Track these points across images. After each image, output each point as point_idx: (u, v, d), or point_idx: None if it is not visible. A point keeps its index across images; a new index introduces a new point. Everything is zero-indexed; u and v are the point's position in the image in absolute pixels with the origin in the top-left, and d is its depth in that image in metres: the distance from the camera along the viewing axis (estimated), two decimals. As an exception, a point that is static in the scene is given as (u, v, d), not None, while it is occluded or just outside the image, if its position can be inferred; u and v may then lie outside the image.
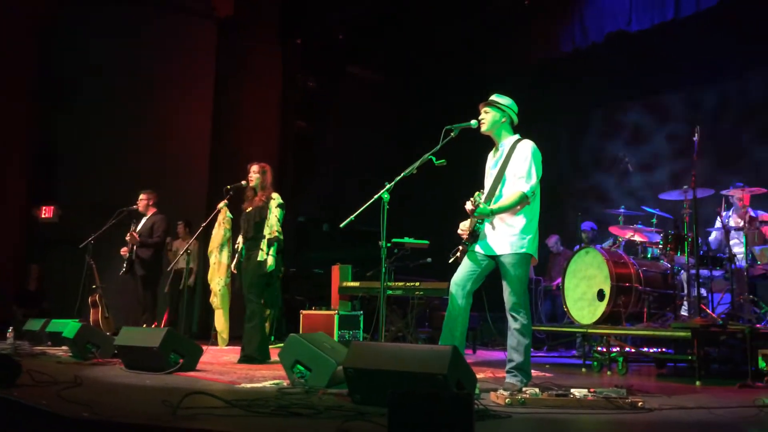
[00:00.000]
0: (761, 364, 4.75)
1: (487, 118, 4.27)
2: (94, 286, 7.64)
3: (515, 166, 4.16)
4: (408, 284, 7.40)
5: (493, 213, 4.11)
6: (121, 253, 7.34)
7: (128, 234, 7.27)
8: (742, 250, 6.12)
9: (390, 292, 7.16)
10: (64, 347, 6.13)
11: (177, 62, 10.21)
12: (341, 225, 4.23)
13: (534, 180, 4.12)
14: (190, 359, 4.90)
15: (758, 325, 5.43)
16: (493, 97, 4.32)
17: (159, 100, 10.03)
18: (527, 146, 4.20)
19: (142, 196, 7.57)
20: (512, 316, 4.08)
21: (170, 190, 8.87)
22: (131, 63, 9.78)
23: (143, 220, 7.49)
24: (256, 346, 5.67)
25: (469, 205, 4.14)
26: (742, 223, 6.24)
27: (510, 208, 4.11)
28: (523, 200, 4.11)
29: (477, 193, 4.13)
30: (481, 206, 4.08)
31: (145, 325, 6.90)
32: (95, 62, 9.60)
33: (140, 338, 4.96)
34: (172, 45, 10.19)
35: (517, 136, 4.30)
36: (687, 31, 7.98)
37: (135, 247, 7.26)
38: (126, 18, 9.79)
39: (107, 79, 9.64)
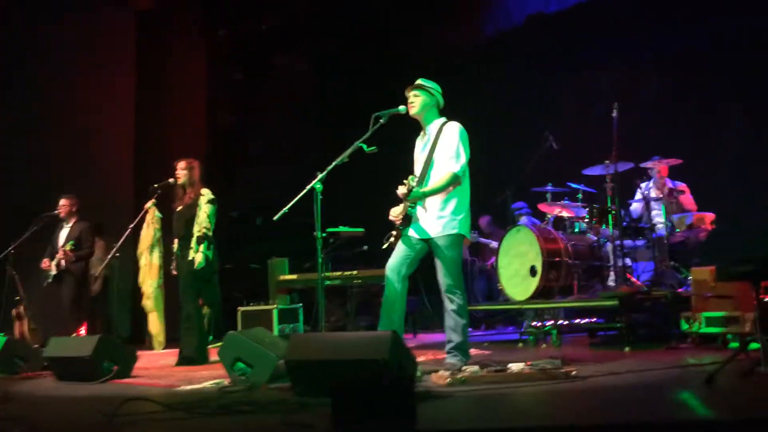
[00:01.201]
0: (683, 326, 5.04)
1: (417, 101, 4.31)
2: (17, 298, 7.28)
3: (444, 148, 4.22)
4: (346, 273, 7.41)
5: (426, 195, 4.17)
6: (43, 267, 6.98)
7: (60, 252, 6.92)
8: (662, 219, 6.42)
9: (328, 282, 7.14)
10: (-12, 363, 5.83)
11: (95, 59, 9.72)
12: (275, 218, 4.18)
13: (463, 159, 4.19)
14: (124, 366, 4.74)
15: (680, 290, 5.72)
16: (420, 81, 4.36)
17: (78, 99, 9.57)
18: (454, 127, 4.26)
19: (63, 202, 7.19)
20: (448, 298, 4.15)
21: (94, 191, 8.48)
22: (46, 58, 9.28)
23: (66, 229, 7.13)
24: (195, 347, 5.56)
25: (402, 189, 4.17)
26: (661, 194, 6.53)
27: (442, 190, 4.18)
28: (454, 181, 4.17)
29: (410, 177, 4.19)
30: (414, 189, 4.13)
31: (74, 334, 6.64)
32: (8, 56, 9.04)
33: (71, 347, 4.78)
34: (90, 40, 9.70)
35: (443, 119, 4.36)
36: (604, 11, 8.23)
37: (63, 262, 6.94)
38: (40, 12, 9.25)
39: (22, 75, 9.10)
